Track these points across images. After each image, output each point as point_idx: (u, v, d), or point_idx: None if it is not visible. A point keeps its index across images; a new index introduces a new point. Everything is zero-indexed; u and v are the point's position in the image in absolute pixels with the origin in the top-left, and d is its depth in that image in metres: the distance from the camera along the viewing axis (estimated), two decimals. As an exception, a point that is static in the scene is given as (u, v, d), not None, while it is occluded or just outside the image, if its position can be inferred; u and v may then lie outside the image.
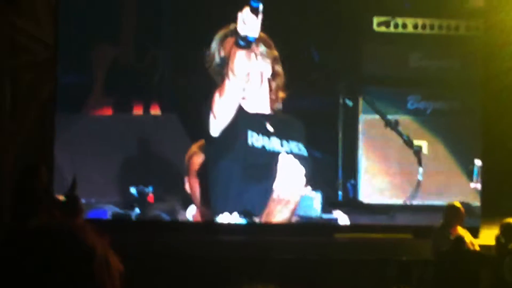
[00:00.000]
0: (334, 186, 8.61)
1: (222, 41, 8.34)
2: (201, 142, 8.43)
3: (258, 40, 8.10)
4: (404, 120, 8.87)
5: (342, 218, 8.55)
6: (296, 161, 8.45)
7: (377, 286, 7.64)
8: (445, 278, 6.91)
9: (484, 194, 8.61)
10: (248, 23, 7.58)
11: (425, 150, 8.80)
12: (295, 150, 8.53)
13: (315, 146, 8.62)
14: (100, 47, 8.90)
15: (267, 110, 8.54)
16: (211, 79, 8.32)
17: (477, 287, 6.92)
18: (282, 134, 8.51)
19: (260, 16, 7.58)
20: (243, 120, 8.33)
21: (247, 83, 8.18)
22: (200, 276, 7.59)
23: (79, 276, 1.19)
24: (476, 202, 8.66)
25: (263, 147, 8.42)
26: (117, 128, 8.76)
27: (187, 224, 8.48)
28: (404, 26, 8.97)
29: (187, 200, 8.51)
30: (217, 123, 8.10)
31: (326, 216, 8.52)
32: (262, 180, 8.36)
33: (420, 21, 8.97)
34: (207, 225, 8.41)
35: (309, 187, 8.40)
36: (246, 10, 7.57)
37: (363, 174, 8.74)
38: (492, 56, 8.77)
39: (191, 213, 8.49)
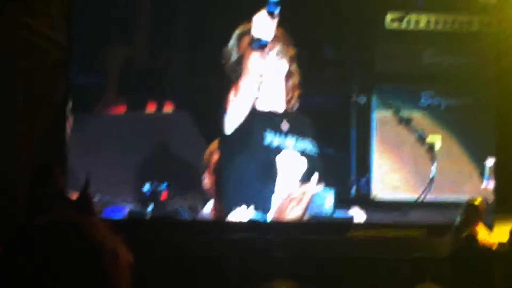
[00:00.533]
0: (347, 183, 8.60)
1: (239, 39, 8.34)
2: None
3: (275, 38, 8.13)
4: (418, 116, 8.84)
5: (358, 215, 8.54)
6: (309, 159, 8.45)
7: (390, 284, 7.62)
8: (460, 276, 6.89)
9: (497, 190, 8.58)
10: (263, 26, 7.60)
11: (438, 147, 8.77)
12: (309, 148, 8.53)
13: (328, 144, 8.61)
14: (113, 47, 8.93)
15: (281, 109, 8.54)
16: (227, 76, 8.33)
17: (491, 284, 6.89)
18: (296, 132, 8.51)
19: (276, 20, 7.59)
20: (258, 119, 8.34)
21: (262, 82, 8.19)
22: (212, 274, 7.60)
23: (86, 271, 1.19)
24: (489, 199, 8.62)
25: (278, 145, 8.42)
26: (130, 126, 8.78)
27: (200, 222, 8.49)
28: (417, 23, 8.95)
29: (202, 197, 8.53)
30: (231, 121, 8.12)
31: (339, 213, 8.51)
32: (275, 178, 8.37)
33: (433, 18, 8.94)
34: (219, 223, 8.42)
35: (321, 185, 8.39)
36: (263, 13, 7.58)
37: (376, 171, 8.73)
38: (505, 52, 8.74)
39: (208, 210, 8.51)
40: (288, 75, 8.50)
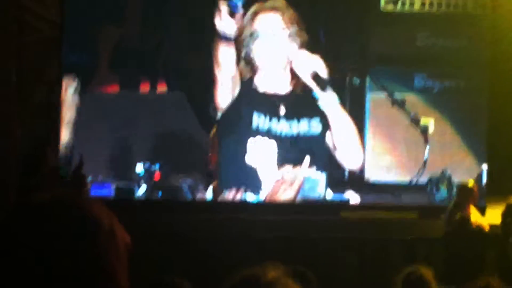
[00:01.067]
0: (340, 165, 8.60)
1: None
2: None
3: (290, 21, 8.20)
4: (411, 98, 8.84)
5: (352, 197, 8.55)
6: (302, 142, 8.45)
7: (382, 265, 7.65)
8: (452, 257, 6.92)
9: (490, 173, 8.60)
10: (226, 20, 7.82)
11: (431, 129, 8.78)
12: (303, 131, 8.52)
13: (323, 126, 8.59)
14: (106, 26, 8.88)
15: (284, 91, 8.51)
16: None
17: (483, 267, 6.92)
18: (294, 115, 8.50)
19: (239, 14, 7.79)
20: (254, 100, 8.36)
21: (268, 64, 8.24)
22: (204, 255, 7.61)
23: (83, 248, 1.19)
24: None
25: (269, 128, 8.43)
26: (123, 105, 8.76)
27: (192, 202, 8.50)
28: (412, 5, 8.93)
29: (195, 177, 8.54)
30: (222, 99, 8.22)
31: (331, 196, 8.52)
32: (266, 161, 8.38)
33: (427, 0, 8.92)
34: (212, 203, 8.43)
35: (313, 168, 8.40)
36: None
37: (369, 153, 8.73)
38: (501, 36, 8.73)
39: (205, 190, 8.53)
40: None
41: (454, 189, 8.01)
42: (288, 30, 8.37)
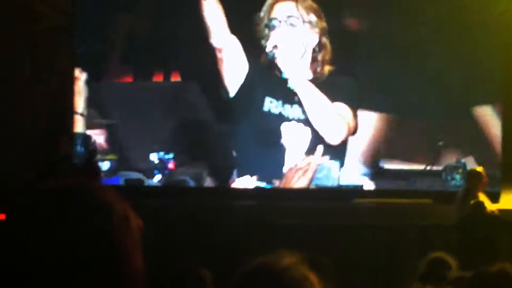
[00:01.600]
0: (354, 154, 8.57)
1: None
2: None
3: (308, 9, 8.22)
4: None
5: (366, 183, 8.54)
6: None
7: (398, 251, 7.64)
8: (466, 243, 6.91)
9: (504, 159, 8.55)
10: None
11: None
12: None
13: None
14: (118, 15, 8.89)
15: (301, 78, 8.49)
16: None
17: (497, 252, 6.91)
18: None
19: None
20: (263, 86, 8.38)
21: (286, 51, 8.24)
22: (218, 242, 7.63)
23: (98, 232, 1.20)
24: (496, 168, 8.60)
25: (280, 113, 8.43)
26: (137, 94, 8.78)
27: (206, 189, 8.53)
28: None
29: (210, 166, 8.57)
30: (231, 82, 8.29)
31: (344, 183, 8.51)
32: (280, 147, 8.38)
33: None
34: (225, 190, 8.46)
35: (327, 156, 8.40)
36: None
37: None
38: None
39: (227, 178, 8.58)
40: (319, 48, 8.49)
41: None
42: (306, 19, 8.39)
